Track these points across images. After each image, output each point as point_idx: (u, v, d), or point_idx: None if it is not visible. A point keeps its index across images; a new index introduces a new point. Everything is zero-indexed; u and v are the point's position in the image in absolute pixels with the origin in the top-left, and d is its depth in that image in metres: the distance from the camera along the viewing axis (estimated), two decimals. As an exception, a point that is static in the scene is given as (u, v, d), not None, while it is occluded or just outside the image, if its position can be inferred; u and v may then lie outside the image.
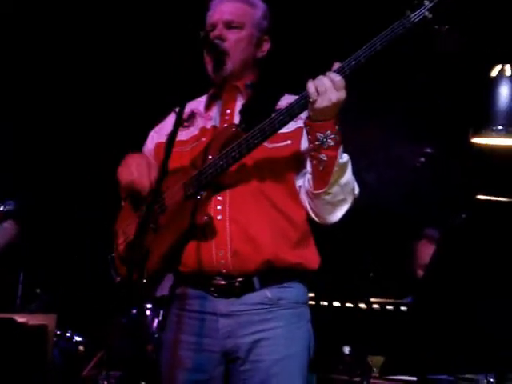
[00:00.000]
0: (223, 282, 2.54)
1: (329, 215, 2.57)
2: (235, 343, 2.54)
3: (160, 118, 2.90)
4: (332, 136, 2.40)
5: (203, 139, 2.66)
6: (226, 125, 2.65)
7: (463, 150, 4.15)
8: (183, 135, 2.68)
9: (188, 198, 2.54)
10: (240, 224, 2.53)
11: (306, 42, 4.47)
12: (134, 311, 4.35)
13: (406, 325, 2.52)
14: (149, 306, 4.50)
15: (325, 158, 2.42)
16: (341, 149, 2.45)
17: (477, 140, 3.49)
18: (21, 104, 4.87)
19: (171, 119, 2.79)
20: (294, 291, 2.59)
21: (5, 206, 3.77)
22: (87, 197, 4.79)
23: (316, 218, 2.61)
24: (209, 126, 2.70)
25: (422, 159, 4.51)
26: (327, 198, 2.51)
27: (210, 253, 2.52)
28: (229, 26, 2.68)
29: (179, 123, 2.40)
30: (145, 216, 2.31)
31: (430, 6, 2.32)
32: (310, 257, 2.62)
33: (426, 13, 2.32)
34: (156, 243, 2.52)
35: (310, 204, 2.58)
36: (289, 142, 2.59)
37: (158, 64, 4.61)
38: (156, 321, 4.51)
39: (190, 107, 2.75)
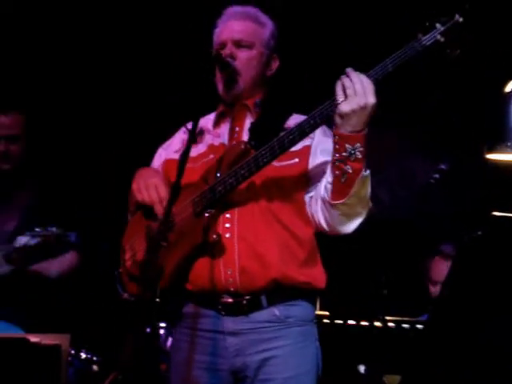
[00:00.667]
0: (231, 300, 2.54)
1: (342, 226, 2.56)
2: (244, 362, 2.53)
3: (164, 127, 2.92)
4: (361, 149, 2.37)
5: (211, 156, 2.67)
6: (234, 142, 2.66)
7: (478, 166, 4.13)
8: (192, 152, 2.67)
9: (197, 216, 2.55)
10: (248, 242, 2.53)
11: (316, 62, 4.47)
12: (148, 330, 4.35)
13: (422, 342, 2.51)
14: (162, 324, 4.50)
15: (350, 170, 2.40)
16: (365, 162, 2.43)
17: (491, 156, 3.47)
18: (20, 104, 4.87)
19: (179, 136, 2.82)
20: (301, 309, 2.59)
21: (67, 237, 3.68)
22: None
23: (327, 228, 2.59)
24: (217, 143, 2.71)
25: (437, 175, 4.49)
26: (344, 208, 2.49)
27: (219, 271, 2.53)
28: (238, 44, 2.69)
29: (192, 141, 2.41)
30: (157, 235, 2.30)
31: (443, 29, 2.31)
32: (317, 275, 2.62)
33: (438, 36, 2.31)
34: (165, 260, 2.49)
35: (323, 213, 2.56)
36: (296, 160, 2.59)
37: (165, 77, 4.61)
38: (170, 339, 4.51)
39: (198, 124, 2.76)
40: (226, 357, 2.54)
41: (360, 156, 2.38)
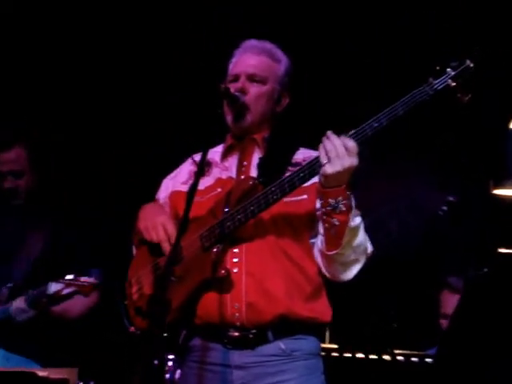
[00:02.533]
0: (237, 334, 2.54)
1: (341, 274, 2.59)
2: None
3: (170, 163, 2.93)
4: (344, 202, 2.41)
5: (219, 190, 2.67)
6: (242, 177, 2.67)
7: (485, 200, 4.14)
8: (199, 184, 2.68)
9: (205, 251, 2.56)
10: (256, 277, 2.54)
11: (323, 98, 4.51)
12: (156, 362, 4.35)
13: (429, 377, 2.50)
14: (171, 356, 4.50)
15: (337, 223, 2.44)
16: (352, 213, 2.45)
17: (498, 191, 3.48)
18: (20, 105, 4.89)
19: (186, 167, 2.84)
20: (307, 343, 2.59)
21: (91, 276, 3.50)
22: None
23: (328, 276, 2.62)
24: (225, 176, 2.72)
25: (445, 207, 4.50)
26: (339, 258, 2.52)
27: (225, 306, 2.53)
28: (252, 79, 2.70)
29: (200, 175, 2.43)
30: (166, 270, 2.32)
31: (453, 74, 2.33)
32: (323, 310, 2.62)
33: (449, 81, 2.33)
34: (172, 294, 2.49)
35: (322, 263, 2.59)
36: (305, 196, 2.60)
37: (174, 106, 4.64)
38: (178, 371, 4.50)
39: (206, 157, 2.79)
40: None
41: (344, 208, 2.41)
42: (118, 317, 2.78)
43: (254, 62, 2.72)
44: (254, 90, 2.68)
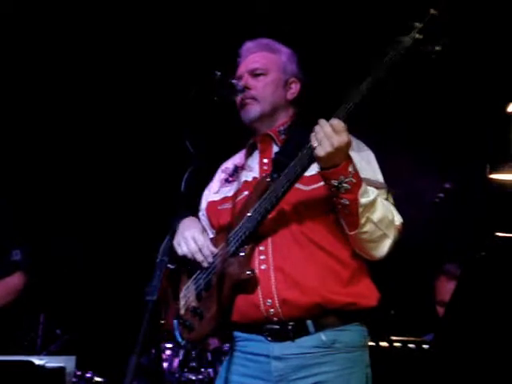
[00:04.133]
0: (276, 327, 2.54)
1: (372, 251, 2.54)
2: None
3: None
4: (347, 180, 2.39)
5: (245, 193, 2.69)
6: (263, 175, 2.67)
7: (481, 185, 4.13)
8: (228, 191, 2.76)
9: (232, 255, 2.58)
10: (285, 271, 2.54)
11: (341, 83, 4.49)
12: (153, 351, 4.36)
13: (426, 363, 2.50)
14: (169, 345, 4.51)
15: (347, 202, 2.42)
16: (362, 189, 2.42)
17: (495, 176, 3.47)
18: (19, 106, 4.90)
19: (218, 176, 2.90)
20: (350, 334, 2.55)
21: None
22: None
23: (364, 255, 2.57)
24: (250, 178, 2.74)
25: (442, 195, 4.48)
26: (364, 236, 2.49)
27: (259, 303, 2.53)
28: (254, 73, 2.75)
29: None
30: (162, 259, 2.35)
31: (421, 26, 2.31)
32: (365, 293, 2.58)
33: (417, 35, 2.32)
34: (208, 303, 2.59)
35: (352, 244, 2.56)
36: (322, 183, 2.54)
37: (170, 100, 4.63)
38: (176, 360, 4.50)
39: (233, 162, 2.85)
40: (270, 381, 2.53)
41: (349, 187, 2.39)
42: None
43: (253, 59, 2.78)
44: (259, 83, 2.72)
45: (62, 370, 2.78)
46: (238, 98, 2.73)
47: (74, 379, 3.82)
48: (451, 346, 2.49)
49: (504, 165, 3.35)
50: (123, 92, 4.91)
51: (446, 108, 4.05)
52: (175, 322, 2.69)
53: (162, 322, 2.75)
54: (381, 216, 2.48)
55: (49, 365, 2.77)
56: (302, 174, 2.47)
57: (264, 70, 2.74)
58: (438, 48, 2.29)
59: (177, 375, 4.37)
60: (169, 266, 2.60)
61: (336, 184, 2.40)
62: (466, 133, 4.31)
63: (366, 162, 2.61)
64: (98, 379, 4.18)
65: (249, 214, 2.55)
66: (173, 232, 2.52)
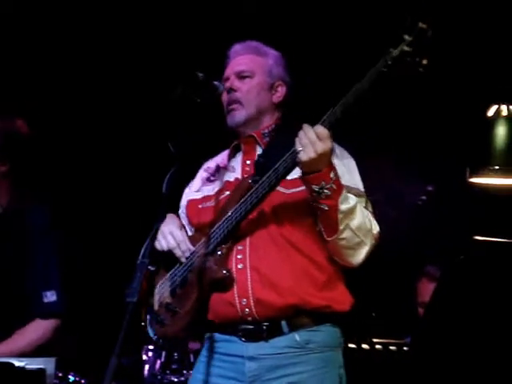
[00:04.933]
0: (251, 327, 2.56)
1: (349, 258, 2.56)
2: None
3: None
4: (328, 186, 2.41)
5: (227, 193, 2.70)
6: (246, 176, 2.69)
7: (461, 189, 4.16)
8: (209, 190, 2.77)
9: (209, 254, 2.58)
10: (261, 271, 2.55)
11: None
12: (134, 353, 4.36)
13: (405, 364, 2.52)
14: (151, 347, 4.50)
15: (326, 208, 2.44)
16: (342, 196, 2.44)
17: (474, 180, 3.50)
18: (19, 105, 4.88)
19: (200, 175, 2.90)
20: (323, 334, 2.57)
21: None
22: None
23: (340, 262, 2.60)
24: (232, 178, 2.75)
25: (424, 197, 4.51)
26: (342, 243, 2.51)
27: (234, 302, 2.55)
28: (240, 76, 2.75)
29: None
30: (143, 261, 2.36)
31: (410, 39, 2.32)
32: (339, 299, 2.60)
33: (406, 47, 2.32)
34: (183, 300, 2.61)
35: (329, 249, 2.58)
36: (303, 187, 2.56)
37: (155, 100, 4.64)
38: (158, 362, 4.50)
39: (216, 162, 2.86)
40: (242, 381, 2.55)
41: (329, 193, 2.41)
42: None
43: (239, 61, 2.79)
44: (244, 85, 2.73)
45: (42, 371, 2.76)
46: (225, 101, 2.73)
47: (55, 381, 3.80)
48: (429, 347, 2.51)
49: (484, 169, 3.37)
50: (107, 93, 4.91)
51: (428, 112, 4.07)
52: (148, 317, 2.70)
53: (143, 323, 2.75)
54: (359, 223, 2.49)
55: (29, 366, 2.75)
56: (285, 177, 2.49)
57: (250, 73, 2.75)
58: (424, 62, 2.31)
59: (159, 377, 4.37)
60: (149, 267, 2.61)
61: (317, 189, 2.42)
62: (448, 136, 4.34)
63: (347, 170, 2.63)
64: (79, 380, 4.17)
65: (228, 214, 2.56)
66: (154, 234, 2.52)
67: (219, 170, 2.81)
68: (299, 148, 2.39)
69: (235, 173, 2.75)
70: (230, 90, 2.71)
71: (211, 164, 2.90)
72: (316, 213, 2.49)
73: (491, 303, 2.52)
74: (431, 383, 2.53)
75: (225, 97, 2.73)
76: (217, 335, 2.63)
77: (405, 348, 3.88)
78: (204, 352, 2.67)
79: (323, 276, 2.57)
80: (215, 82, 2.67)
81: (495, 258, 2.55)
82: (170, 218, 2.79)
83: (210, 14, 4.38)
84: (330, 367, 2.57)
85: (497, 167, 3.32)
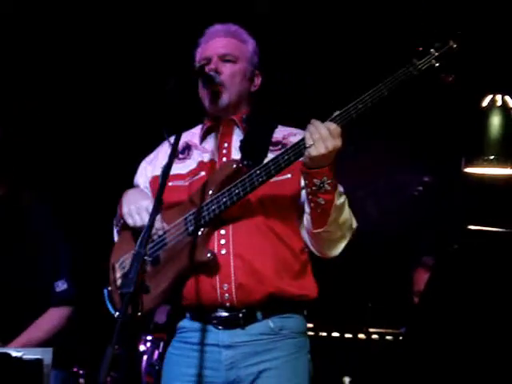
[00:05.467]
0: (226, 314, 2.55)
1: (328, 250, 2.61)
2: (238, 375, 2.54)
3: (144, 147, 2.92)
4: (329, 181, 2.43)
5: (202, 173, 2.66)
6: (224, 159, 2.67)
7: (457, 179, 4.17)
8: (180, 168, 2.69)
9: (190, 234, 2.56)
10: (244, 257, 2.55)
11: (301, 76, 4.52)
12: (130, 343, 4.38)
13: (399, 352, 2.53)
14: (149, 337, 4.52)
15: (322, 202, 2.46)
16: (338, 191, 2.47)
17: (469, 170, 3.51)
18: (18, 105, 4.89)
19: (164, 150, 2.80)
20: (294, 321, 2.60)
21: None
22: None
23: (317, 253, 2.64)
24: (206, 159, 2.70)
25: (420, 188, 4.53)
26: (326, 236, 2.54)
27: (214, 287, 2.54)
28: (223, 59, 2.70)
29: (174, 156, 2.42)
30: (139, 251, 2.30)
31: (437, 55, 2.36)
32: (310, 286, 2.63)
33: (433, 61, 2.36)
34: (156, 279, 2.55)
35: (310, 241, 2.61)
36: (289, 175, 2.60)
37: (150, 92, 4.64)
38: (156, 353, 4.52)
39: (183, 139, 2.73)
40: (220, 370, 2.55)
41: (329, 188, 2.44)
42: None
43: (223, 44, 2.73)
44: (226, 69, 2.69)
45: (39, 361, 2.77)
46: (207, 87, 2.68)
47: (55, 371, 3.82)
48: (423, 336, 2.53)
49: (478, 159, 3.39)
50: (103, 87, 4.91)
51: (423, 102, 4.08)
52: (105, 291, 2.66)
53: (139, 313, 2.74)
54: (345, 219, 2.54)
55: (26, 357, 2.75)
56: (284, 168, 2.49)
57: (234, 58, 2.71)
58: (452, 77, 2.34)
59: (157, 367, 4.39)
60: (146, 258, 2.60)
61: (318, 184, 2.43)
62: (443, 126, 4.35)
63: None
64: (77, 371, 4.20)
65: (215, 196, 2.53)
66: (150, 224, 2.47)
67: (189, 148, 2.76)
68: (310, 142, 2.39)
69: (209, 154, 2.71)
70: (215, 72, 2.67)
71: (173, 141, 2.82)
72: (309, 205, 2.50)
73: (485, 292, 2.53)
74: (425, 371, 2.55)
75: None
76: (188, 325, 2.62)
77: (400, 338, 3.91)
78: (174, 343, 2.66)
79: (298, 265, 2.60)
80: (211, 73, 2.67)
81: (489, 248, 2.56)
82: (144, 194, 2.74)
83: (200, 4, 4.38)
84: (302, 352, 2.60)
85: (491, 157, 3.33)
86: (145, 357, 4.49)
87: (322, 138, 2.37)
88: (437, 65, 2.35)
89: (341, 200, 2.50)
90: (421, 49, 2.36)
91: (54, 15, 4.54)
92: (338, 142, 2.39)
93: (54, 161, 5.09)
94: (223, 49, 2.72)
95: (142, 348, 4.46)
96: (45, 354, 2.82)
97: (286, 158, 2.46)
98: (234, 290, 2.52)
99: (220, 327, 2.56)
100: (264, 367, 2.53)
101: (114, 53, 4.74)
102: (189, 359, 2.58)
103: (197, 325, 2.59)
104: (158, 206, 2.31)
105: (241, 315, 2.54)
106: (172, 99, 2.48)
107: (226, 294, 2.52)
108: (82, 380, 4.27)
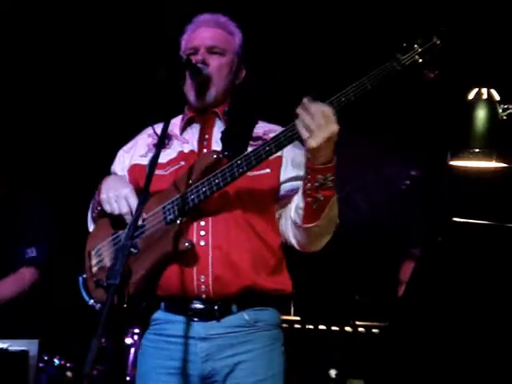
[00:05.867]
0: (201, 306, 2.55)
1: (312, 245, 2.61)
2: (213, 367, 2.55)
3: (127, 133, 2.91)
4: (332, 178, 2.42)
5: (182, 163, 2.66)
6: (205, 150, 2.66)
7: (442, 172, 4.18)
8: (161, 157, 2.62)
9: (168, 223, 2.55)
10: (223, 250, 2.55)
11: (283, 70, 4.52)
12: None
13: (383, 343, 2.54)
14: (136, 330, 4.51)
15: (322, 198, 2.45)
16: (335, 188, 2.47)
17: (454, 162, 3.53)
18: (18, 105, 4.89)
19: (143, 139, 2.80)
20: (269, 314, 2.61)
21: (27, 254, 3.81)
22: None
23: (298, 247, 2.63)
24: (187, 150, 2.70)
25: (408, 182, 4.55)
26: (315, 230, 2.53)
27: (191, 278, 2.53)
28: (211, 51, 2.69)
29: (160, 147, 2.41)
30: (126, 243, 2.30)
31: (421, 50, 2.36)
32: (285, 282, 2.65)
33: (417, 57, 2.37)
34: (134, 267, 2.53)
35: (294, 235, 2.60)
36: (268, 170, 2.61)
37: (135, 82, 4.64)
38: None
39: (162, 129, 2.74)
40: (195, 362, 2.55)
41: (331, 184, 2.43)
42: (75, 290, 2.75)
43: (211, 35, 2.71)
44: (214, 62, 2.67)
45: (25, 353, 2.78)
46: (194, 78, 2.66)
47: (41, 364, 3.83)
48: (407, 326, 2.55)
49: (464, 151, 3.41)
50: (102, 86, 4.90)
51: (409, 96, 4.09)
52: (80, 278, 2.66)
53: (125, 305, 2.73)
54: (335, 214, 2.54)
55: (11, 348, 2.77)
56: (265, 159, 2.48)
57: (222, 50, 2.69)
58: (435, 73, 2.34)
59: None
60: (132, 250, 2.59)
61: (321, 180, 2.41)
62: (429, 120, 4.36)
63: None
64: (65, 364, 4.19)
65: (194, 186, 2.52)
66: (136, 216, 2.47)
67: (170, 138, 2.74)
68: (306, 135, 2.35)
69: (189, 145, 2.70)
70: (203, 64, 2.65)
71: (158, 131, 2.75)
72: (305, 200, 2.48)
73: (469, 284, 2.55)
74: (410, 362, 2.56)
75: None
76: (163, 316, 2.61)
77: (387, 330, 3.91)
78: (148, 335, 2.66)
79: (274, 260, 2.61)
80: (199, 65, 2.65)
81: (474, 240, 2.58)
82: (123, 180, 2.72)
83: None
84: (277, 344, 2.62)
85: (477, 150, 3.35)
86: (132, 349, 4.48)
87: (318, 126, 2.32)
88: (420, 61, 2.35)
89: (335, 196, 2.49)
90: (404, 44, 2.37)
91: (53, 15, 4.54)
92: (335, 127, 2.33)
93: (54, 161, 5.08)
94: (211, 40, 2.70)
95: (129, 341, 4.45)
96: (31, 346, 2.83)
97: (267, 149, 2.45)
98: (210, 282, 2.52)
99: (195, 319, 2.55)
100: (239, 359, 2.54)
101: (114, 53, 4.73)
102: (163, 351, 2.58)
103: (171, 316, 2.59)
104: (146, 197, 2.32)
105: (216, 307, 2.54)
106: (161, 89, 2.48)
107: (203, 286, 2.52)
108: (69, 373, 4.27)
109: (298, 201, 2.53)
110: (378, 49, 2.42)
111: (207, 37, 2.71)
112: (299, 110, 2.37)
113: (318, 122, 2.32)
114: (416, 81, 2.37)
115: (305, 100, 2.37)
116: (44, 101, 4.96)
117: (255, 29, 2.84)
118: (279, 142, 2.44)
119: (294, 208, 2.56)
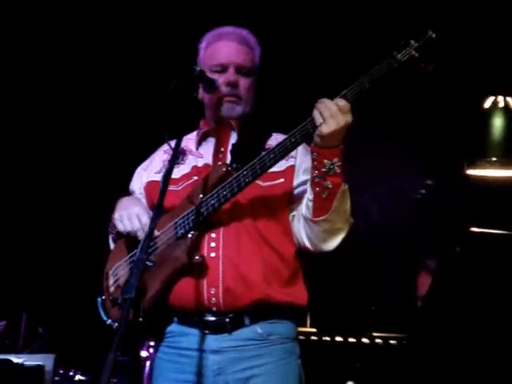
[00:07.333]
0: (213, 319, 2.52)
1: (324, 244, 2.56)
2: (226, 380, 2.51)
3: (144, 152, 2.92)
4: (339, 163, 2.41)
5: (195, 178, 2.65)
6: (220, 163, 2.64)
7: (459, 181, 4.16)
8: (174, 173, 2.63)
9: (180, 238, 2.53)
10: (233, 262, 2.52)
11: (293, 81, 4.51)
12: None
13: (404, 354, 2.52)
14: (151, 343, 4.51)
15: (330, 185, 2.42)
16: (343, 175, 2.44)
17: (471, 171, 3.50)
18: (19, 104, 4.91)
19: (159, 156, 2.80)
20: (283, 327, 2.57)
21: None
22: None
23: (310, 247, 2.58)
24: (201, 164, 2.69)
25: (423, 191, 4.52)
26: (325, 225, 2.50)
27: (202, 290, 2.51)
28: (240, 71, 2.68)
29: (174, 161, 2.41)
30: (140, 257, 2.29)
31: (417, 45, 2.35)
32: (300, 294, 2.60)
33: (413, 52, 2.35)
34: (148, 282, 2.52)
35: (306, 231, 2.56)
36: (282, 180, 2.58)
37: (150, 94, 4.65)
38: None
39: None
40: (207, 376, 2.50)
41: (339, 170, 2.41)
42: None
43: (239, 53, 2.70)
44: (243, 82, 2.67)
45: (40, 368, 2.78)
46: (223, 90, 2.64)
47: (56, 378, 3.82)
48: (427, 338, 2.52)
49: (481, 160, 3.38)
50: (103, 88, 4.91)
51: (425, 105, 4.08)
52: (99, 299, 2.65)
53: (141, 319, 2.73)
54: (345, 208, 2.50)
55: (27, 363, 2.76)
56: (270, 167, 2.46)
57: (249, 70, 2.69)
58: (431, 67, 2.33)
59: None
60: (147, 263, 2.59)
61: (328, 165, 2.40)
62: (445, 128, 4.34)
63: None
64: (80, 377, 4.19)
65: (204, 199, 2.51)
66: (150, 231, 2.47)
67: (185, 154, 2.73)
68: (320, 120, 2.36)
69: (204, 159, 2.69)
70: (234, 85, 2.64)
71: (173, 146, 2.81)
72: (313, 190, 2.46)
73: (487, 293, 2.52)
74: (429, 374, 2.53)
75: (223, 87, 2.67)
76: (177, 329, 2.58)
77: (404, 342, 3.89)
78: (163, 348, 2.62)
79: (288, 271, 2.57)
80: (213, 78, 2.65)
81: (491, 249, 2.55)
82: (136, 200, 2.74)
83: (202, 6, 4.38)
84: (292, 358, 2.56)
85: (494, 159, 3.32)
86: (148, 362, 4.47)
87: (332, 114, 2.34)
88: (416, 55, 2.33)
89: (345, 186, 2.45)
90: (402, 42, 2.36)
91: (53, 15, 4.54)
92: (349, 118, 2.35)
93: (54, 161, 5.09)
94: (240, 60, 2.68)
95: (144, 354, 4.45)
96: (46, 361, 2.83)
97: (271, 156, 2.43)
98: (221, 295, 2.49)
99: (207, 332, 2.52)
100: (252, 373, 2.49)
101: (114, 53, 4.73)
102: (177, 364, 2.55)
103: (185, 329, 2.56)
104: (159, 213, 2.31)
105: (228, 320, 2.50)
106: (173, 101, 2.47)
107: (213, 298, 2.49)
108: (85, 386, 4.27)
109: (308, 194, 2.51)
110: (378, 49, 2.39)
111: (234, 54, 2.69)
112: (317, 102, 2.39)
113: (332, 110, 2.35)
114: (413, 77, 2.35)
115: (320, 98, 2.39)
116: (44, 101, 4.97)
117: (255, 29, 2.81)
118: (284, 149, 2.43)
119: (305, 203, 2.53)
